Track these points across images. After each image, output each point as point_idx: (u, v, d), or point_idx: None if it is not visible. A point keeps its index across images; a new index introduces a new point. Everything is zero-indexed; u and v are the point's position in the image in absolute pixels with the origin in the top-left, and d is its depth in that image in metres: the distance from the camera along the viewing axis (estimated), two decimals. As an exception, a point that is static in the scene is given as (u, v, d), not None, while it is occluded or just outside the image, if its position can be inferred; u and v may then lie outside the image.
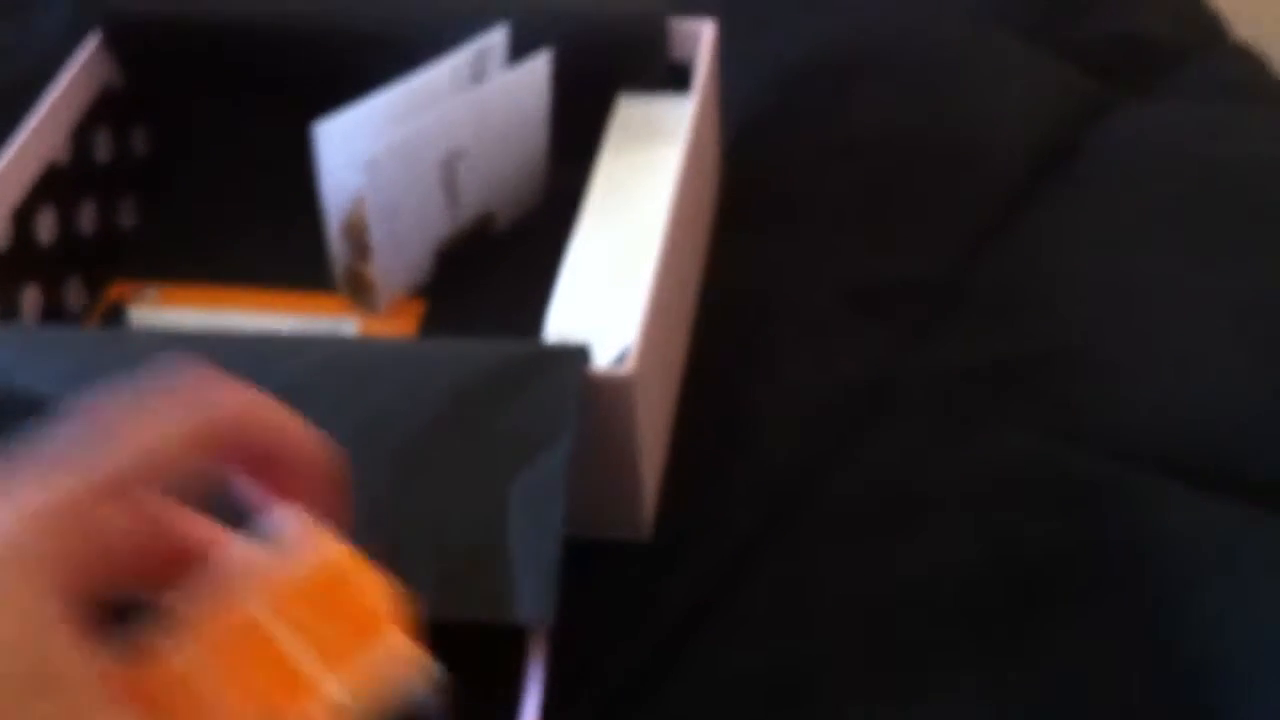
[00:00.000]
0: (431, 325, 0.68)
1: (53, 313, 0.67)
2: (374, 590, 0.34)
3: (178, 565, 0.34)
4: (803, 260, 0.72)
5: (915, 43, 0.85)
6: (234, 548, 0.35)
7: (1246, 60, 0.86)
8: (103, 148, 0.73)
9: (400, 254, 0.68)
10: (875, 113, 0.81)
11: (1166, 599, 0.56)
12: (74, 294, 0.69)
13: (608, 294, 0.62)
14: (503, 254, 0.72)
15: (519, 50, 0.70)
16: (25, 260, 0.66)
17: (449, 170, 0.67)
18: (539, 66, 0.69)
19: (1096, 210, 0.74)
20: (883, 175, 0.77)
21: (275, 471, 0.35)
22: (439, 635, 0.51)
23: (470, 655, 0.54)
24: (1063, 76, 0.83)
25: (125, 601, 0.33)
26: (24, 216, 0.66)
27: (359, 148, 0.64)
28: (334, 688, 0.32)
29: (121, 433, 0.32)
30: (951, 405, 0.64)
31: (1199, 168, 0.76)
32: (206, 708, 0.32)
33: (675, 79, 0.72)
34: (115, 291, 0.71)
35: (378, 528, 0.50)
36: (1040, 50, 0.84)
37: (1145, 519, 0.58)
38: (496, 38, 0.69)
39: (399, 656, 0.33)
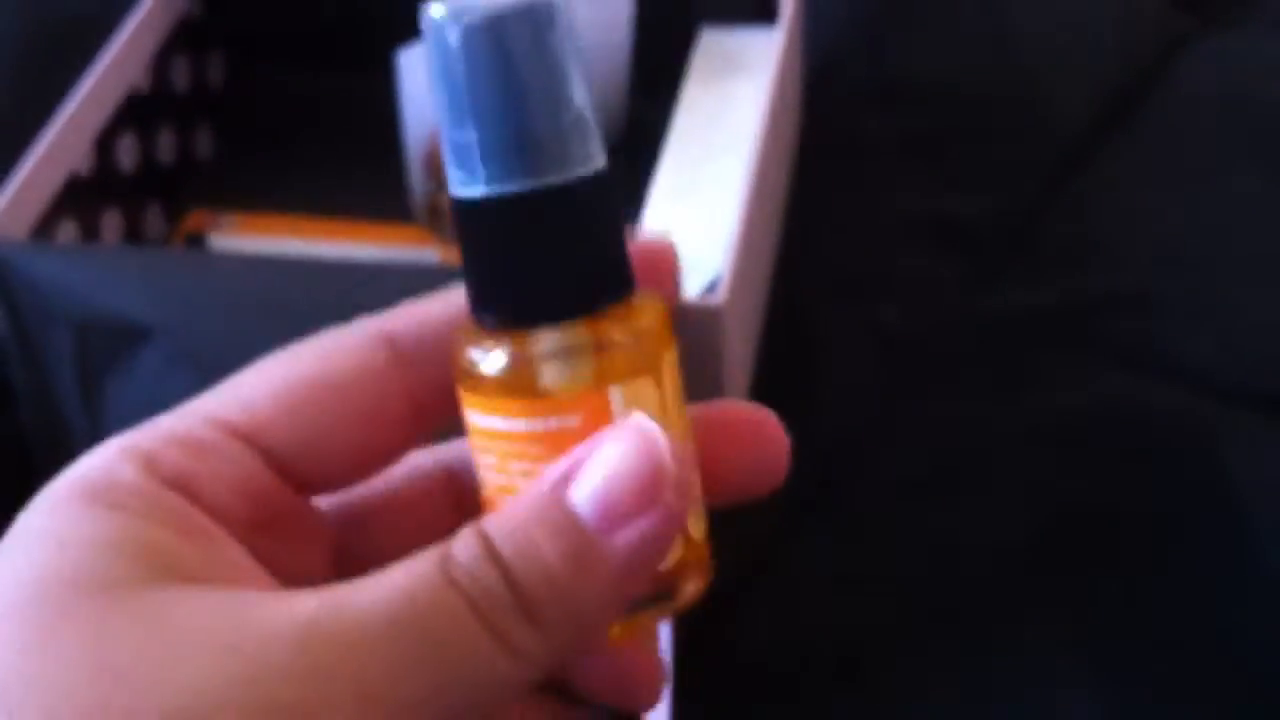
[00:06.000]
0: (511, 258, 0.68)
1: (133, 239, 0.67)
2: None
3: None
4: (871, 199, 0.71)
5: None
6: None
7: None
8: (181, 76, 0.72)
9: (480, 185, 0.67)
10: (945, 47, 0.79)
11: (1250, 539, 0.55)
12: (153, 222, 0.69)
13: (693, 226, 0.61)
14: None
15: (602, -20, 0.69)
16: (107, 186, 0.65)
17: (530, 101, 0.66)
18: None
19: (1175, 148, 0.72)
20: (952, 113, 0.75)
21: None
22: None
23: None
24: (1143, 5, 0.81)
25: None
26: (106, 142, 0.65)
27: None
28: None
29: None
30: (1021, 349, 0.63)
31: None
32: None
33: (758, 11, 0.71)
34: (193, 220, 0.71)
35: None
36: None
37: (1230, 458, 0.57)
38: (579, -33, 0.68)
39: None
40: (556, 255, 0.27)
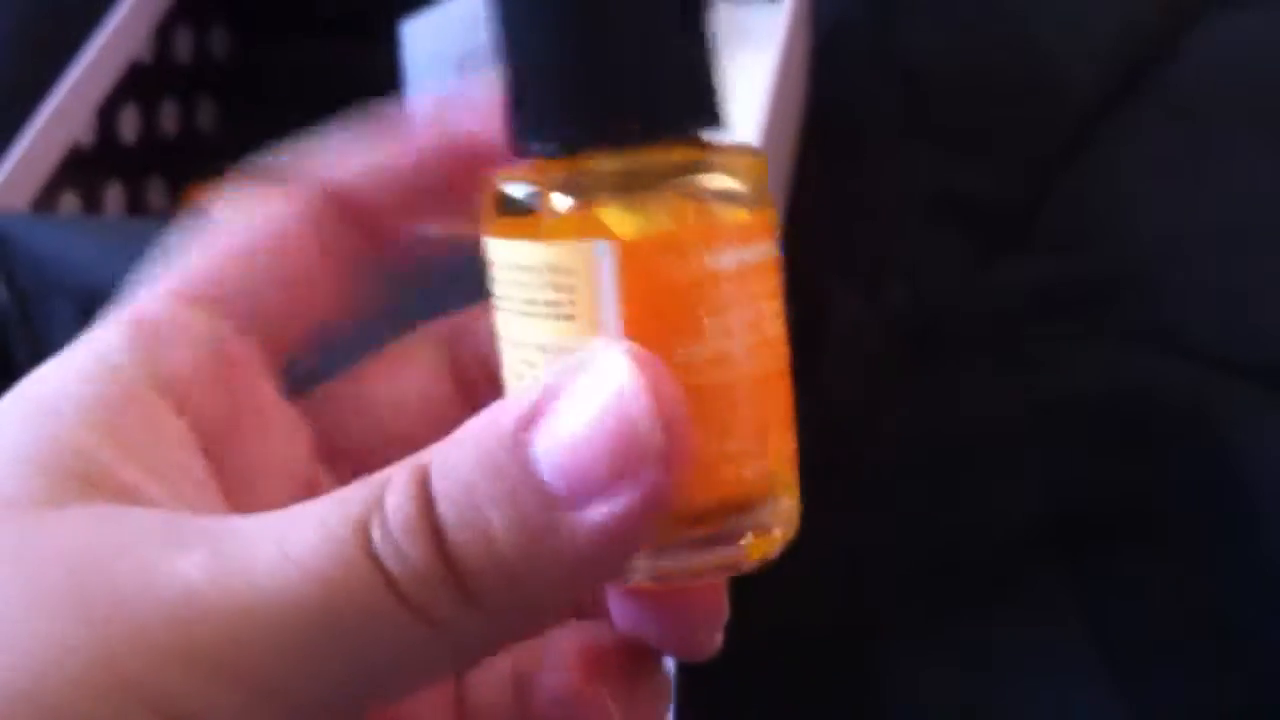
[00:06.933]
0: (515, 231, 0.67)
1: (135, 212, 0.67)
2: None
3: None
4: (875, 178, 0.70)
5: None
6: None
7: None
8: (183, 47, 0.72)
9: (485, 158, 0.67)
10: (950, 24, 0.78)
11: (1257, 520, 0.54)
12: (155, 195, 0.69)
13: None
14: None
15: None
16: (109, 157, 0.65)
17: (535, 74, 0.66)
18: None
19: (1181, 127, 0.72)
20: (957, 92, 0.74)
21: None
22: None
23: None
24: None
25: None
26: (108, 113, 0.65)
27: (447, 48, 0.63)
28: None
29: None
30: (1025, 329, 0.63)
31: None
32: None
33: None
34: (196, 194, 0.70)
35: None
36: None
37: (1236, 437, 0.57)
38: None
39: None
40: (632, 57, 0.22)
